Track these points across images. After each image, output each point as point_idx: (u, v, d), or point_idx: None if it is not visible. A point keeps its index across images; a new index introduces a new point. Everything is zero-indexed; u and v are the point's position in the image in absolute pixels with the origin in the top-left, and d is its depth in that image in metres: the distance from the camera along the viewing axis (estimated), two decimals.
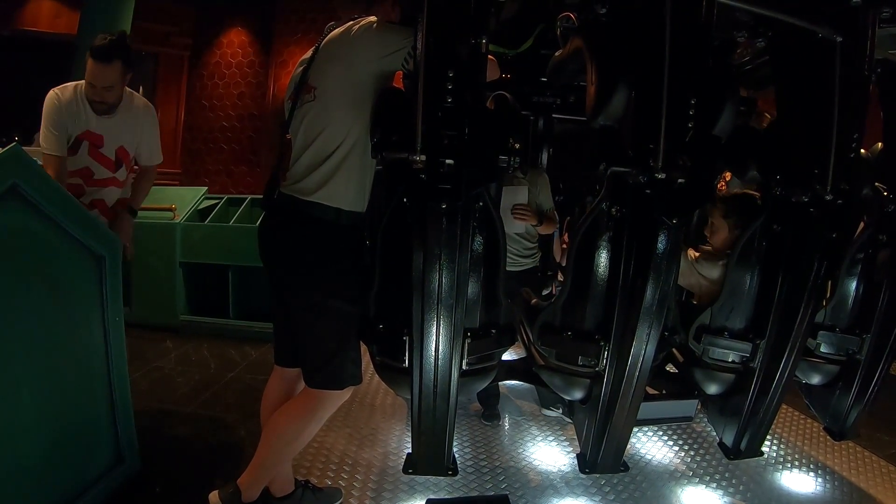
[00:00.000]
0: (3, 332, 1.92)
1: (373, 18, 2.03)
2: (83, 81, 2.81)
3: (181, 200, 5.29)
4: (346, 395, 2.22)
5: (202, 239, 5.08)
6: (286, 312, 2.21)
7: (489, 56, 1.98)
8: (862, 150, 2.51)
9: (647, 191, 1.94)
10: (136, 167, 3.18)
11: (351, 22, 2.07)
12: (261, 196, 2.23)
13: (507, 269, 3.07)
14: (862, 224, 2.73)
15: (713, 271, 2.63)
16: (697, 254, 2.72)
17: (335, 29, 2.12)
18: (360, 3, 2.19)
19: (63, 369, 2.21)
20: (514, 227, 3.18)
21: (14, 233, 1.98)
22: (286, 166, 2.16)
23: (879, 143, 2.80)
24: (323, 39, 2.13)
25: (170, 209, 5.11)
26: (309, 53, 2.16)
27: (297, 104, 2.13)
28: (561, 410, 3.44)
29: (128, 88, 2.98)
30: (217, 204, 5.51)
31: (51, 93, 2.83)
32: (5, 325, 1.93)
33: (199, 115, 10.18)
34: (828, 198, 2.24)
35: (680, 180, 1.92)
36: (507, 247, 3.19)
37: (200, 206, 5.42)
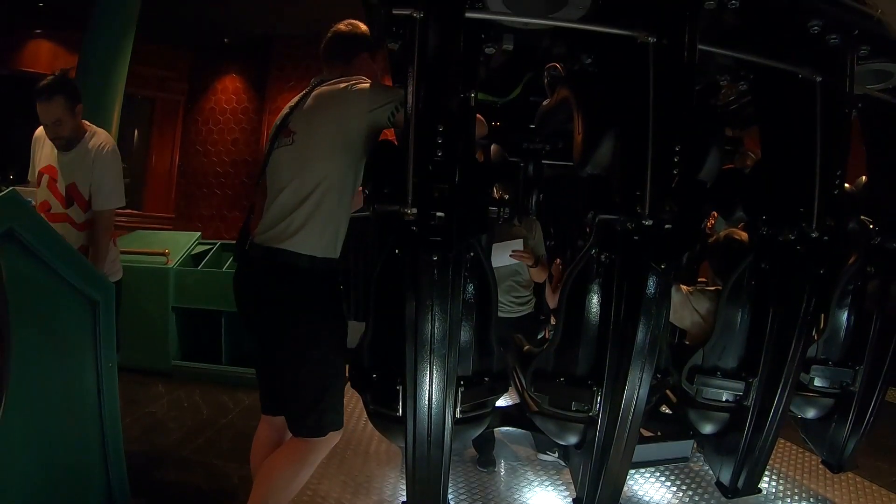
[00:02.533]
0: None
1: (363, 81, 2.08)
2: None
3: (174, 245, 5.28)
4: (335, 438, 2.21)
5: (195, 284, 5.06)
6: (267, 361, 2.22)
7: (477, 115, 2.02)
8: (846, 185, 2.55)
9: (636, 237, 1.97)
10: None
11: (343, 79, 2.11)
12: None
13: (504, 315, 3.10)
14: (852, 257, 2.76)
15: (705, 304, 2.65)
16: (690, 288, 2.74)
17: (323, 84, 2.16)
18: (340, 57, 2.23)
19: (55, 413, 2.19)
20: (505, 261, 3.20)
21: (9, 277, 1.97)
22: (259, 212, 2.18)
23: (863, 177, 2.85)
24: (311, 91, 2.17)
25: (163, 254, 5.11)
26: (294, 101, 2.20)
27: (275, 146, 2.15)
28: (557, 455, 3.42)
29: (93, 126, 3.05)
30: (210, 249, 5.50)
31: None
32: None
33: (194, 159, 10.26)
34: (814, 235, 2.28)
35: (667, 226, 1.95)
36: (504, 295, 3.23)
37: (194, 251, 5.41)
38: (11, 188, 1.98)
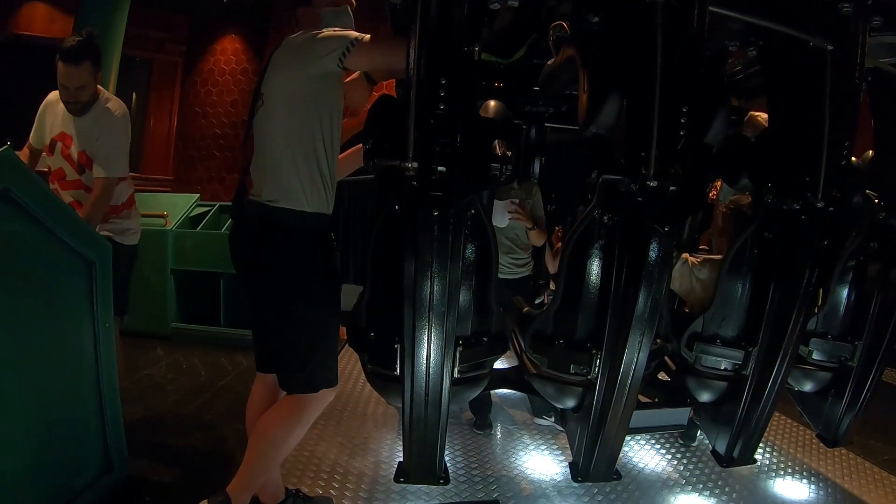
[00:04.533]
0: None
1: (313, 31, 2.09)
2: None
3: (173, 207, 5.28)
4: (329, 396, 2.23)
5: (194, 246, 5.05)
6: (260, 319, 2.25)
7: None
8: (853, 158, 2.51)
9: (639, 199, 1.94)
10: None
11: (294, 35, 2.14)
12: None
13: (502, 276, 3.09)
14: (855, 232, 2.73)
15: (706, 272, 2.64)
16: (696, 259, 2.72)
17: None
18: (294, 15, 2.29)
19: (52, 376, 2.19)
20: (503, 222, 3.18)
21: (4, 237, 1.97)
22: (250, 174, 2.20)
23: (870, 151, 2.81)
24: (273, 51, 2.18)
25: (161, 216, 5.09)
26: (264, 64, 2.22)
27: (253, 113, 2.18)
28: (553, 419, 3.44)
29: (105, 91, 2.97)
30: (209, 211, 5.50)
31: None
32: None
33: (192, 122, 10.18)
34: (819, 205, 2.25)
35: (672, 188, 1.92)
36: (502, 256, 3.21)
37: (192, 214, 5.41)
38: (7, 147, 1.95)
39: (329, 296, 2.16)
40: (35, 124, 3.00)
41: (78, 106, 2.83)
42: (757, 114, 3.14)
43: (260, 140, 2.14)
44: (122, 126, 2.93)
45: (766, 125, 2.97)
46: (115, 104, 2.94)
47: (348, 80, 2.32)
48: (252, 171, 2.18)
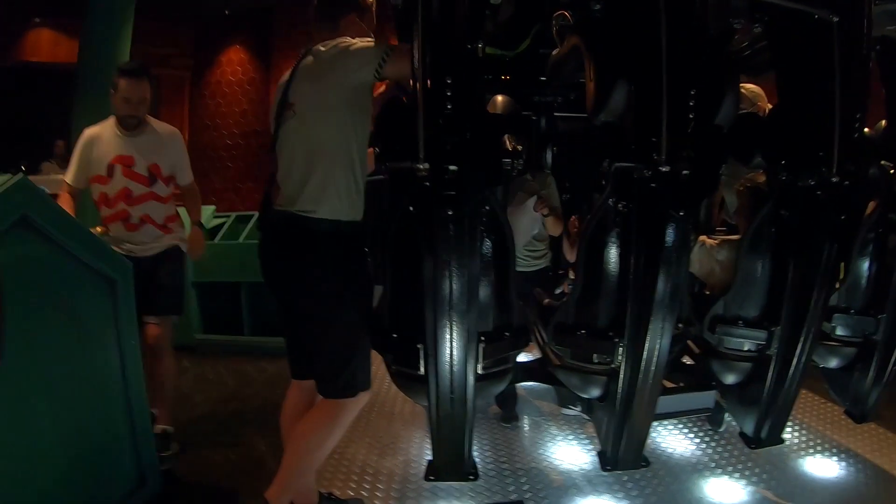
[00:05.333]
0: (19, 360, 1.93)
1: (347, 40, 2.08)
2: (113, 118, 3.07)
3: (189, 220, 5.30)
4: (365, 398, 2.26)
5: (213, 257, 5.06)
6: (295, 327, 2.27)
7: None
8: (866, 130, 2.49)
9: (653, 184, 1.94)
10: (176, 189, 3.31)
11: (327, 43, 2.12)
12: None
13: (519, 269, 3.10)
14: (873, 204, 2.70)
15: (725, 253, 2.62)
16: (714, 241, 2.71)
17: (311, 52, 2.17)
18: (328, 19, 2.22)
19: (81, 394, 2.23)
20: (525, 229, 3.18)
21: (26, 262, 2.01)
22: (277, 184, 2.21)
23: (883, 121, 2.78)
24: (300, 60, 2.19)
25: None
26: (287, 75, 2.23)
27: (281, 122, 2.18)
28: (580, 409, 3.43)
29: (151, 117, 3.18)
30: (226, 222, 5.54)
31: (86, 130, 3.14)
32: (21, 352, 1.94)
33: (204, 134, 10.27)
34: (834, 180, 2.22)
35: (685, 172, 1.91)
36: (519, 249, 3.21)
37: (209, 225, 5.44)
38: (22, 174, 1.99)
39: (364, 300, 2.21)
40: (75, 165, 3.10)
41: (135, 120, 3.05)
42: (741, 85, 3.11)
43: (291, 149, 2.15)
44: (182, 142, 3.32)
45: (751, 96, 2.97)
46: (166, 125, 3.30)
47: (382, 88, 2.36)
48: (281, 180, 2.19)
